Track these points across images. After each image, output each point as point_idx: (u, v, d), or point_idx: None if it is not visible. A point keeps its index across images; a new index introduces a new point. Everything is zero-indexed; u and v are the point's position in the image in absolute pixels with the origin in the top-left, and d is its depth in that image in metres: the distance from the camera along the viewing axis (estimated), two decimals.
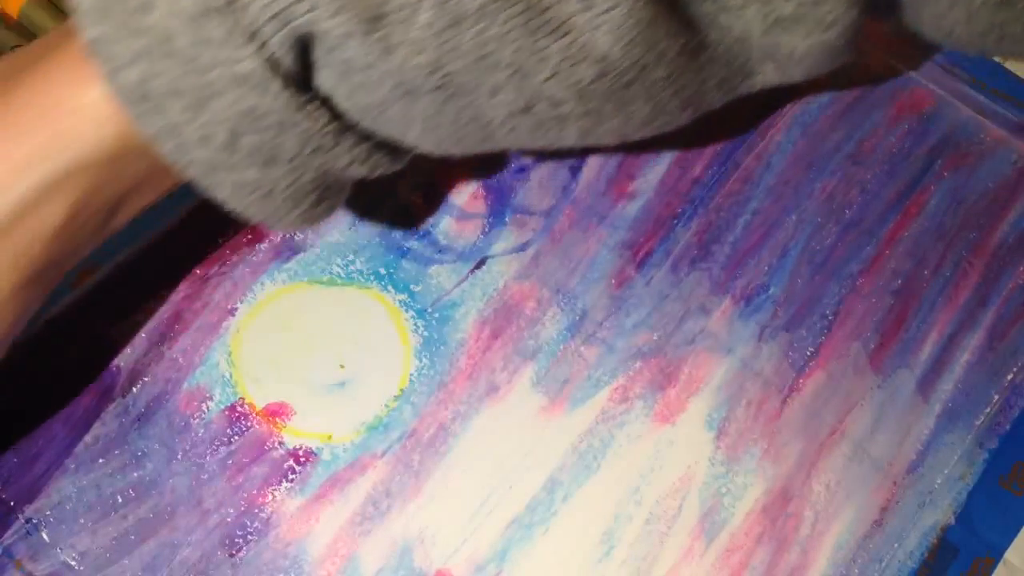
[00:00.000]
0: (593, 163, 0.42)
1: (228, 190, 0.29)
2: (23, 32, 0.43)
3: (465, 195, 0.41)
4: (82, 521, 0.35)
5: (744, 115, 0.44)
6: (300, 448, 0.37)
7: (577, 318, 0.39)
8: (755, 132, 0.43)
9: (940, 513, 0.37)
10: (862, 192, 0.43)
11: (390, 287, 0.39)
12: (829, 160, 0.43)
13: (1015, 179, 0.43)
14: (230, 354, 0.38)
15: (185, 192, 0.40)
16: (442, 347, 0.38)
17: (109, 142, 0.27)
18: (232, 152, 0.27)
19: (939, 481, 0.37)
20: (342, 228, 0.40)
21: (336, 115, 0.28)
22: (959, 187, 0.43)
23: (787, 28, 0.30)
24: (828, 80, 0.45)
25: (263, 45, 0.25)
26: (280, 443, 0.37)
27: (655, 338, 0.39)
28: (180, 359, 0.38)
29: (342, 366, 0.38)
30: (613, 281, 0.40)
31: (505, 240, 0.40)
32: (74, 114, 0.27)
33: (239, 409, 0.37)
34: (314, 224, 0.31)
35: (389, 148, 0.30)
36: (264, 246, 0.40)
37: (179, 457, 0.36)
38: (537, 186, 0.42)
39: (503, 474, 0.37)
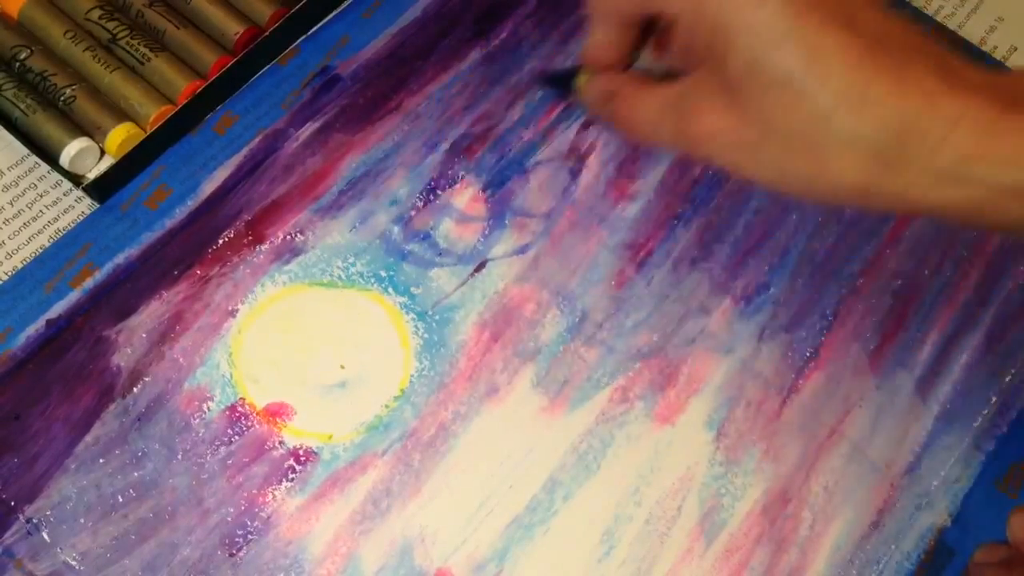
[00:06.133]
0: (593, 165, 0.42)
1: None
2: (23, 32, 0.43)
3: (465, 198, 0.41)
4: (83, 521, 0.35)
5: None
6: (300, 448, 0.37)
7: (577, 319, 0.39)
8: None
9: (937, 515, 0.37)
10: None
11: (391, 289, 0.39)
12: None
13: None
14: (231, 354, 0.38)
15: (185, 192, 0.40)
16: (442, 349, 0.38)
17: None
18: None
19: (936, 483, 0.38)
20: (342, 231, 0.40)
21: None
22: None
23: None
24: None
25: None
26: (280, 443, 0.37)
27: (655, 339, 0.39)
28: (181, 359, 0.38)
29: (343, 367, 0.38)
30: (613, 282, 0.40)
31: (505, 243, 0.40)
32: None
33: (240, 409, 0.37)
34: None
35: None
36: (265, 248, 0.40)
37: (179, 457, 0.36)
38: (537, 188, 0.42)
39: (503, 474, 0.37)
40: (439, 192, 0.41)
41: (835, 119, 0.27)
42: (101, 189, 0.40)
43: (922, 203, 0.27)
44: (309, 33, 0.45)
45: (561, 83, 0.35)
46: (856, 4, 0.29)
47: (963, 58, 0.29)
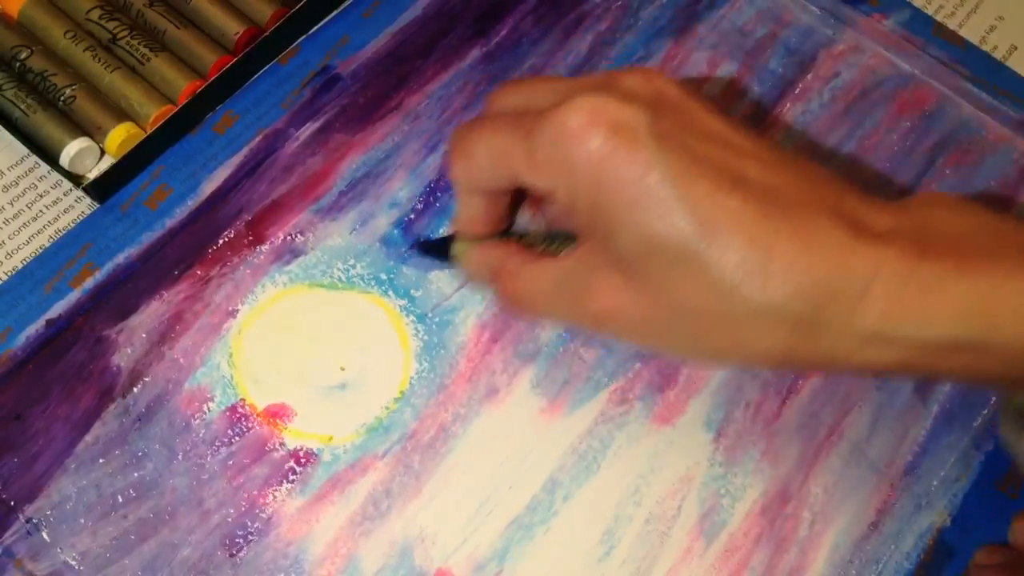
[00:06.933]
0: None
1: None
2: (23, 32, 0.43)
3: None
4: (82, 521, 0.35)
5: (744, 114, 0.44)
6: (301, 449, 0.37)
7: None
8: (756, 131, 0.43)
9: (936, 515, 0.37)
10: (865, 190, 0.43)
11: (391, 292, 0.39)
12: (831, 158, 0.43)
13: (1017, 176, 0.43)
14: (231, 355, 0.38)
15: (185, 191, 0.40)
16: (442, 351, 0.38)
17: None
18: None
19: (935, 483, 0.38)
20: (343, 232, 0.40)
21: None
22: (961, 185, 0.43)
23: None
24: (828, 79, 0.45)
25: None
26: (281, 444, 0.37)
27: None
28: (181, 360, 0.38)
29: (343, 368, 0.38)
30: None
31: None
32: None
33: (240, 410, 0.37)
34: None
35: None
36: (265, 248, 0.40)
37: (180, 457, 0.36)
38: None
39: (503, 474, 0.37)
40: (439, 194, 0.41)
41: (742, 291, 0.25)
42: (101, 189, 0.40)
43: (850, 363, 0.26)
44: (309, 33, 0.45)
45: (437, 251, 0.34)
46: (743, 151, 0.27)
47: (860, 194, 0.27)
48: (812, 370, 0.27)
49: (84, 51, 0.42)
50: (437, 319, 0.39)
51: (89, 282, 0.38)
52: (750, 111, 0.44)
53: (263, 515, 0.35)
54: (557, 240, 0.32)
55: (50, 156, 0.41)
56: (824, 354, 0.26)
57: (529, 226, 0.33)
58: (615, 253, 0.27)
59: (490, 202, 0.31)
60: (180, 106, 0.42)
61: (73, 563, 0.34)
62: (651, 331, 0.28)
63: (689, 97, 0.28)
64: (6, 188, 0.41)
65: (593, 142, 0.26)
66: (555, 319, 0.30)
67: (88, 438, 0.36)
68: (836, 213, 0.26)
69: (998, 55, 0.46)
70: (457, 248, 0.33)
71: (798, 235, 0.25)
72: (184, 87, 0.42)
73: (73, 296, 0.38)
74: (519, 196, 0.33)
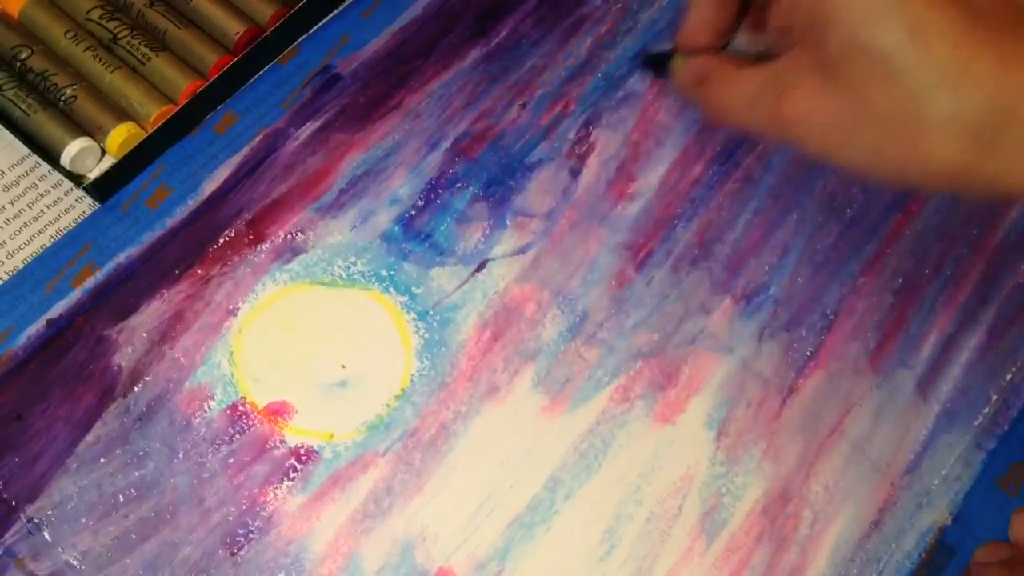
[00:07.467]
0: (593, 165, 0.42)
1: None
2: (24, 32, 0.43)
3: (466, 198, 0.41)
4: (84, 520, 0.35)
5: None
6: (302, 447, 0.37)
7: (577, 319, 0.39)
8: None
9: (937, 514, 0.37)
10: (863, 191, 0.43)
11: (391, 289, 0.39)
12: None
13: None
14: (232, 354, 0.38)
15: (186, 191, 0.40)
16: (443, 348, 0.38)
17: None
18: None
19: (937, 482, 0.38)
20: (343, 230, 0.40)
21: None
22: None
23: None
24: None
25: None
26: (282, 442, 0.37)
27: (655, 338, 0.39)
28: (182, 358, 0.38)
29: (343, 366, 0.38)
30: (613, 282, 0.40)
31: (506, 243, 0.40)
32: None
33: (241, 408, 0.37)
34: None
35: None
36: (265, 247, 0.40)
37: (180, 456, 0.36)
38: (537, 189, 0.42)
39: (504, 473, 0.37)
40: (440, 191, 0.41)
41: (935, 97, 0.26)
42: (102, 189, 0.40)
43: (1017, 188, 0.27)
44: (309, 33, 0.45)
45: (657, 65, 0.35)
46: None
47: None
48: (979, 194, 0.28)
49: (85, 51, 0.42)
50: (438, 317, 0.39)
51: (90, 282, 0.39)
52: None
53: (264, 513, 0.35)
54: (768, 59, 0.32)
55: (51, 156, 0.41)
56: (996, 175, 0.27)
57: (745, 49, 0.33)
58: (820, 57, 0.28)
59: (717, 9, 0.32)
60: (181, 106, 0.42)
61: (74, 562, 0.34)
62: (837, 137, 0.28)
63: None
64: (7, 188, 0.41)
65: None
66: (750, 125, 0.31)
67: (89, 437, 0.36)
68: None
69: None
70: (676, 61, 0.34)
71: (998, 53, 0.26)
72: (184, 87, 0.42)
73: (74, 296, 0.38)
74: (741, 14, 0.33)
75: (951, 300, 0.41)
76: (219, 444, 0.36)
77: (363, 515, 0.36)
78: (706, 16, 0.32)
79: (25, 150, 0.41)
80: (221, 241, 0.40)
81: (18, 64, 0.42)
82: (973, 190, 0.28)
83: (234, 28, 0.43)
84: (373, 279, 0.39)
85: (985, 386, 0.39)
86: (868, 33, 0.26)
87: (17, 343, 0.37)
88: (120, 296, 0.39)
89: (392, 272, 0.40)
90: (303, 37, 0.45)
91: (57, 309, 0.38)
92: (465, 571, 0.35)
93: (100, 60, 0.42)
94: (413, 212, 0.41)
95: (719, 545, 0.36)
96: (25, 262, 0.39)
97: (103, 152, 0.42)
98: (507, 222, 0.41)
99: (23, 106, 0.41)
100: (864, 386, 0.39)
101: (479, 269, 0.40)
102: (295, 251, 0.40)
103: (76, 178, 0.41)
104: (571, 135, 0.43)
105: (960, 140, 0.26)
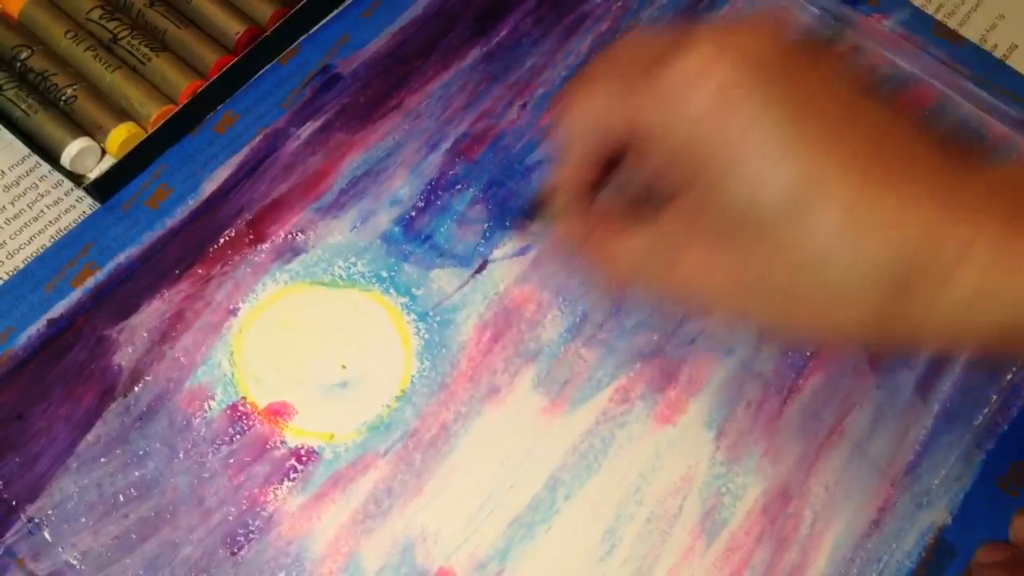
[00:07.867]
0: None
1: None
2: (24, 32, 0.43)
3: (466, 199, 0.41)
4: (84, 520, 0.35)
5: None
6: (302, 447, 0.37)
7: (577, 320, 0.39)
8: None
9: (937, 513, 0.37)
10: None
11: (392, 290, 0.39)
12: None
13: None
14: (232, 353, 0.38)
15: (186, 191, 0.40)
16: (443, 349, 0.38)
17: None
18: None
19: (937, 482, 0.38)
20: (344, 230, 0.40)
21: None
22: None
23: None
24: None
25: None
26: (282, 442, 0.37)
27: (655, 339, 0.39)
28: (182, 358, 0.38)
29: (344, 366, 0.38)
30: (614, 282, 0.40)
31: (506, 244, 0.40)
32: None
33: (241, 408, 0.37)
34: None
35: None
36: (266, 247, 0.40)
37: (181, 456, 0.36)
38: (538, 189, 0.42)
39: (505, 473, 0.37)
40: (440, 193, 0.41)
41: (835, 261, 0.25)
42: (102, 189, 0.40)
43: (938, 335, 0.26)
44: (310, 32, 0.45)
45: (529, 213, 0.34)
46: (853, 97, 0.26)
47: (961, 157, 0.27)
48: (898, 344, 0.27)
49: (85, 51, 0.42)
50: (438, 318, 0.39)
51: (90, 281, 0.39)
52: None
53: (264, 513, 0.35)
54: (649, 202, 0.32)
55: (51, 156, 0.41)
56: (912, 324, 0.26)
57: (623, 188, 0.33)
58: (711, 216, 0.26)
59: (593, 157, 0.31)
60: (181, 106, 0.42)
61: (74, 562, 0.34)
62: (741, 295, 0.27)
63: (799, 51, 0.28)
64: (7, 188, 0.41)
65: (720, 72, 0.26)
66: (645, 286, 0.30)
67: (89, 437, 0.36)
68: (934, 186, 0.26)
69: (998, 54, 0.46)
70: (549, 211, 0.33)
71: (898, 196, 0.25)
72: (185, 87, 0.42)
73: (74, 295, 0.38)
74: (614, 161, 0.32)
75: None
76: (219, 444, 0.36)
77: (363, 515, 0.36)
78: (581, 166, 0.31)
79: (25, 150, 0.41)
80: (221, 241, 0.40)
81: (18, 64, 0.42)
82: (892, 340, 0.27)
83: (234, 28, 0.43)
84: (373, 280, 0.39)
85: (985, 386, 0.39)
86: (765, 185, 0.25)
87: (17, 343, 0.37)
88: (120, 296, 0.39)
89: (392, 273, 0.40)
90: (303, 37, 0.45)
91: (57, 309, 0.38)
92: (465, 571, 0.35)
93: (100, 60, 0.42)
94: (413, 213, 0.41)
95: (719, 545, 0.36)
96: (25, 262, 0.39)
97: (103, 152, 0.42)
98: (507, 223, 0.41)
99: (23, 106, 0.41)
100: (864, 386, 0.39)
101: (479, 270, 0.40)
102: (295, 251, 0.40)
103: (76, 178, 0.41)
104: None
105: (868, 301, 0.25)
